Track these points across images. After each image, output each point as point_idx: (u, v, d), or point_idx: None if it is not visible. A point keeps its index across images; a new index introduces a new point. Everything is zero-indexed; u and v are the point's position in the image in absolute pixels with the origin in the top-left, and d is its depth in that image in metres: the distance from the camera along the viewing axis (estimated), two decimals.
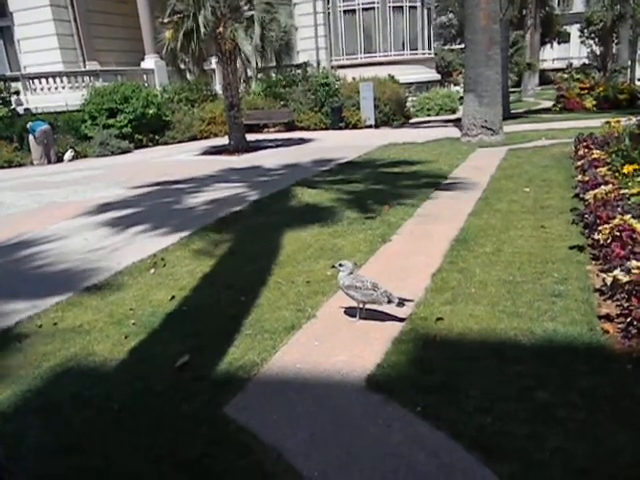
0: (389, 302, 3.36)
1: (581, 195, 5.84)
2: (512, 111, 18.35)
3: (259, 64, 14.08)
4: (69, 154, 15.50)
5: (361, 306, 3.51)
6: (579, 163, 7.35)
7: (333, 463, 2.21)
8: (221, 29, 13.02)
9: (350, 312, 3.59)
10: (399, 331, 3.29)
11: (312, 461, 2.22)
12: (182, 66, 14.68)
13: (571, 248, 4.55)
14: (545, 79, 36.41)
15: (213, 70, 20.62)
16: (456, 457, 2.20)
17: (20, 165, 14.78)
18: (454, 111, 21.52)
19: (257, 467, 2.19)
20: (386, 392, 2.65)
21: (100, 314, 3.93)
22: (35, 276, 4.99)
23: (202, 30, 12.36)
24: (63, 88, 19.32)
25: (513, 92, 25.99)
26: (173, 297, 4.12)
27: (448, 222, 5.65)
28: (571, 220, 5.26)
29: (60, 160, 15.29)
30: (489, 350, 3.00)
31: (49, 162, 15.00)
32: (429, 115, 22.01)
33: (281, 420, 2.51)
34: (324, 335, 3.35)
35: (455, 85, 28.31)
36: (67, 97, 18.35)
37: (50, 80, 19.23)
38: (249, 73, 14.42)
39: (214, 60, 16.19)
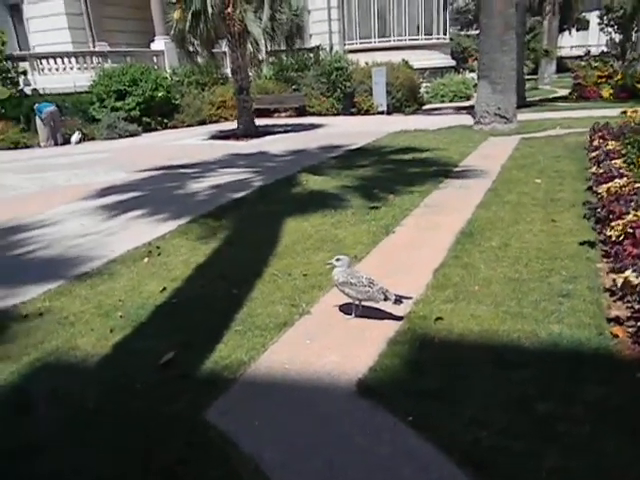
0: (385, 299, 3.20)
1: (594, 188, 5.61)
2: (527, 99, 17.90)
3: (268, 47, 13.82)
4: (76, 136, 15.40)
5: (357, 303, 3.34)
6: (593, 154, 7.08)
7: (313, 478, 2.06)
8: (230, 10, 12.75)
9: (346, 309, 3.43)
10: (395, 331, 3.11)
11: (291, 474, 2.07)
12: (191, 48, 14.46)
13: (581, 244, 4.33)
14: (562, 67, 35.56)
15: (224, 53, 20.32)
16: (446, 473, 2.04)
17: (26, 146, 14.69)
18: (469, 98, 21.11)
19: (232, 478, 2.04)
20: (377, 398, 2.48)
21: (88, 305, 3.80)
22: (27, 262, 4.88)
23: (210, 10, 12.11)
24: (72, 69, 19.15)
25: (529, 80, 25.44)
26: (164, 289, 3.98)
27: (455, 213, 5.45)
28: (583, 214, 5.03)
29: (67, 142, 15.20)
30: (490, 354, 2.83)
31: (56, 144, 14.91)
32: (443, 102, 21.62)
33: (263, 427, 2.36)
34: (317, 333, 3.19)
35: (470, 71, 27.71)
36: (75, 78, 18.19)
37: (58, 60, 19.05)
38: (260, 56, 14.17)
39: (225, 43, 15.96)
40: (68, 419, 2.49)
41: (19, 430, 2.44)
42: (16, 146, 14.70)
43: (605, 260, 3.99)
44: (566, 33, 36.90)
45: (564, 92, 21.06)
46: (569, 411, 2.33)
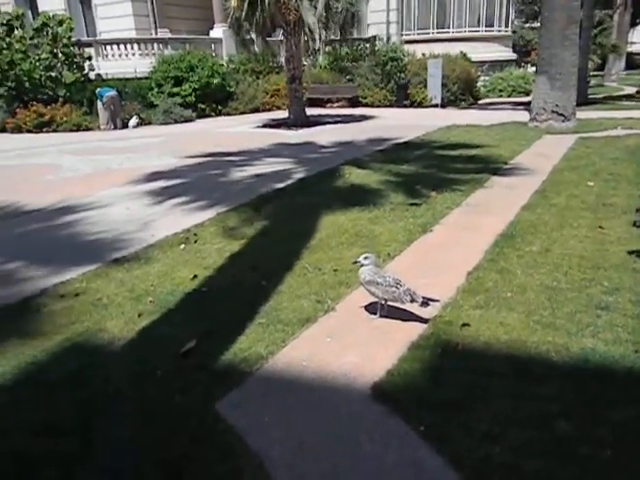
0: (412, 301, 3.12)
1: None
2: (590, 96, 17.10)
3: (323, 36, 13.74)
4: (134, 121, 15.84)
5: (382, 303, 3.28)
6: None
7: None
8: None
9: (371, 309, 3.37)
10: (419, 334, 3.04)
11: (294, 475, 2.06)
12: (247, 36, 14.58)
13: (630, 253, 4.10)
14: (633, 63, 33.78)
15: (280, 41, 20.41)
16: None
17: (87, 129, 15.24)
18: (528, 93, 20.27)
19: (234, 476, 2.05)
20: (391, 404, 2.43)
21: (122, 288, 3.90)
22: (72, 243, 5.06)
23: None
24: (133, 55, 19.75)
25: (595, 76, 24.32)
26: (195, 276, 4.03)
27: (497, 214, 5.26)
28: (634, 222, 4.75)
29: (125, 126, 15.66)
30: (514, 366, 2.71)
31: (115, 127, 15.40)
32: (500, 96, 20.98)
33: (272, 423, 2.35)
34: (339, 331, 3.15)
35: (532, 66, 26.72)
36: (137, 64, 18.73)
37: (122, 46, 19.70)
38: (314, 45, 14.13)
39: (281, 31, 15.99)
40: (87, 402, 2.56)
41: (41, 409, 2.53)
42: (78, 128, 15.29)
43: None
44: (638, 28, 34.95)
45: (631, 90, 20.02)
46: (591, 433, 2.21)
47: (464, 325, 3.11)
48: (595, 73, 25.49)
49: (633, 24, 31.47)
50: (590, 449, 2.12)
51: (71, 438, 2.32)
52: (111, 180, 7.83)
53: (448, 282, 3.73)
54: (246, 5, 13.18)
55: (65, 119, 15.36)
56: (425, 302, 3.11)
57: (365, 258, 3.26)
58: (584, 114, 12.36)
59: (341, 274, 3.98)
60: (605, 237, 4.49)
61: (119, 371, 2.82)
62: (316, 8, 12.92)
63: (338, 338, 3.07)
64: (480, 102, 19.51)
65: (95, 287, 3.95)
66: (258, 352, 2.93)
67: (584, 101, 14.51)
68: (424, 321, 3.18)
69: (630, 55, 34.42)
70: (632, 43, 36.51)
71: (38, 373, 2.84)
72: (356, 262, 3.32)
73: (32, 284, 4.06)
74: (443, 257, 4.27)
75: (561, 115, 11.02)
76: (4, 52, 15.39)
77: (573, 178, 6.60)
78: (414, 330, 3.10)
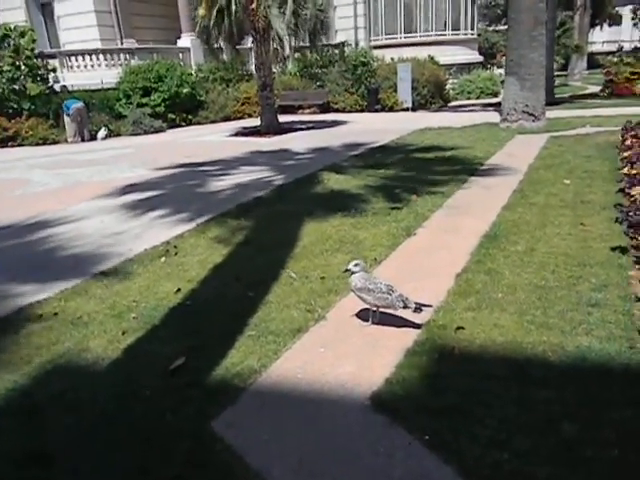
0: (405, 307, 3.07)
1: (627, 190, 5.37)
2: (556, 96, 17.44)
3: (292, 43, 13.71)
4: (102, 132, 15.54)
5: (374, 309, 3.22)
6: (626, 154, 6.81)
7: None
8: (254, 5, 12.69)
9: (363, 315, 3.31)
10: (414, 340, 2.99)
11: None
12: (215, 45, 14.47)
13: (613, 250, 4.13)
14: (593, 63, 34.65)
15: (249, 49, 20.30)
16: None
17: (55, 142, 14.88)
18: (496, 95, 20.66)
19: None
20: (392, 414, 2.36)
21: (102, 305, 3.76)
22: (46, 259, 4.88)
23: (234, 7, 12.07)
24: (99, 66, 19.40)
25: (559, 76, 24.83)
26: (179, 290, 3.91)
27: (479, 215, 5.27)
28: (614, 218, 4.81)
29: (94, 138, 15.35)
30: (513, 368, 2.68)
31: (83, 140, 15.08)
32: (469, 98, 21.25)
33: (272, 441, 2.26)
34: (332, 341, 3.08)
35: (498, 67, 27.20)
36: (103, 75, 18.40)
37: (87, 57, 19.32)
38: (284, 53, 14.09)
39: (250, 39, 15.92)
40: (73, 426, 2.43)
41: (25, 436, 2.39)
42: (45, 142, 14.91)
43: (638, 267, 3.79)
44: (597, 28, 35.99)
45: (595, 89, 20.50)
46: (597, 434, 2.18)
47: (458, 328, 3.07)
48: (559, 73, 26.04)
49: (592, 25, 32.37)
50: (596, 451, 2.09)
51: (57, 466, 2.19)
52: (83, 194, 7.62)
53: (438, 285, 3.69)
54: (214, 13, 13.10)
55: (31, 133, 14.97)
56: (418, 308, 3.07)
57: (355, 265, 3.20)
58: (553, 113, 12.58)
59: (329, 281, 3.91)
60: (587, 234, 4.52)
61: (105, 392, 2.69)
62: (285, 15, 12.89)
63: (332, 347, 3.00)
64: (450, 104, 19.73)
65: (74, 305, 3.79)
66: (250, 366, 2.84)
67: (552, 101, 14.78)
68: (417, 326, 3.13)
69: (591, 55, 35.35)
70: (592, 43, 37.54)
71: (20, 398, 2.69)
72: (347, 270, 3.25)
73: (7, 304, 3.88)
74: (430, 260, 4.24)
75: (531, 115, 11.20)
76: None
77: (549, 177, 6.68)
78: (408, 336, 3.04)
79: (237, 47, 15.21)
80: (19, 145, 14.62)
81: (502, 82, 17.20)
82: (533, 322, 3.11)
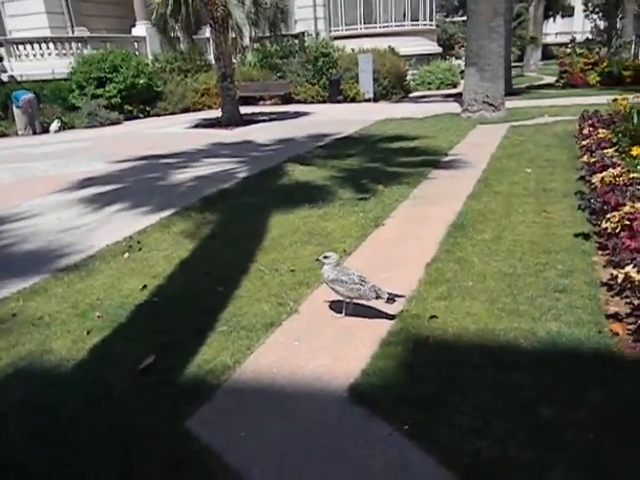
0: (377, 298, 3.05)
1: (587, 177, 5.51)
2: (514, 86, 17.82)
3: (252, 33, 13.51)
4: (55, 125, 15.00)
5: (347, 301, 3.19)
6: (584, 143, 6.99)
7: None
8: None
9: (336, 307, 3.28)
10: (388, 331, 2.97)
11: None
12: (172, 34, 14.11)
13: (576, 236, 4.22)
14: (547, 54, 35.59)
15: (208, 39, 19.90)
16: None
17: (4, 135, 14.29)
18: (455, 85, 20.99)
19: None
20: (370, 405, 2.34)
21: (64, 304, 3.60)
22: (0, 258, 4.65)
23: None
24: (50, 55, 18.64)
25: (515, 67, 25.34)
26: (145, 286, 3.79)
27: (445, 205, 5.31)
28: (576, 205, 4.93)
29: (46, 131, 14.80)
30: (486, 355, 2.70)
31: (34, 133, 14.52)
32: (429, 89, 21.48)
33: (250, 438, 2.21)
34: (306, 334, 3.04)
35: (457, 59, 27.60)
36: (54, 65, 17.70)
37: (36, 46, 18.53)
38: (243, 42, 13.86)
39: (208, 29, 15.59)
40: (39, 433, 2.31)
41: None
42: None
43: (601, 253, 3.88)
44: (551, 20, 36.90)
45: (550, 79, 21.03)
46: (573, 416, 2.21)
47: (432, 317, 3.07)
48: (515, 64, 26.57)
49: (546, 16, 33.15)
50: (574, 434, 2.12)
51: (27, 476, 2.08)
52: (38, 189, 7.32)
53: (408, 275, 3.70)
54: (171, 1, 12.75)
55: None
56: (391, 298, 3.05)
57: (325, 257, 3.16)
58: (511, 103, 12.83)
59: (299, 274, 3.86)
60: (551, 221, 4.62)
61: (71, 395, 2.57)
62: (244, 4, 12.68)
63: (306, 341, 2.96)
64: (411, 95, 19.87)
65: (34, 305, 3.63)
66: (224, 362, 2.77)
67: (510, 91, 15.07)
68: (391, 317, 3.12)
69: (545, 46, 36.24)
70: (546, 34, 38.48)
71: None
72: (317, 260, 3.21)
73: None
74: (399, 250, 4.24)
75: (492, 105, 11.38)
76: None
77: (511, 166, 6.80)
78: (382, 326, 3.03)
79: (195, 37, 14.89)
80: None
81: (461, 73, 17.46)
82: (504, 309, 3.15)
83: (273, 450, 2.14)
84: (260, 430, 2.26)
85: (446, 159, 7.59)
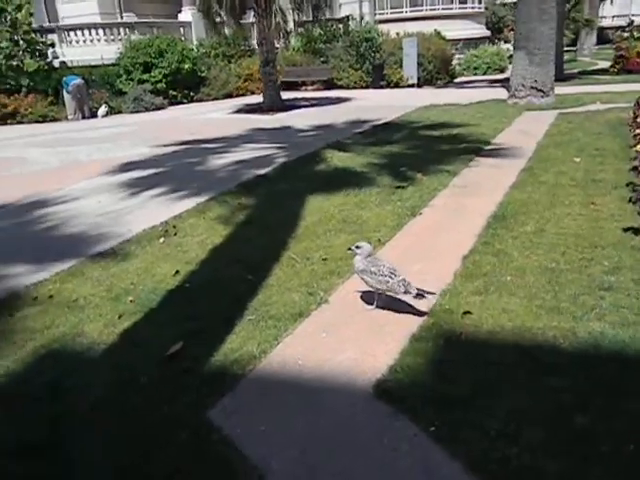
0: (405, 293, 2.93)
1: (639, 168, 5.20)
2: (565, 71, 17.07)
3: (295, 18, 13.40)
4: (103, 109, 15.35)
5: (379, 293, 3.11)
6: (638, 131, 6.61)
7: None
8: None
9: (367, 298, 3.20)
10: (419, 326, 2.87)
11: None
12: (217, 19, 14.13)
13: (625, 230, 3.99)
14: (603, 38, 33.95)
15: (252, 24, 19.88)
16: None
17: (54, 120, 14.70)
18: (503, 70, 20.29)
19: None
20: (396, 403, 2.26)
21: (99, 287, 3.66)
22: (42, 240, 4.79)
23: None
24: (99, 41, 19.07)
25: (568, 51, 24.27)
26: (177, 272, 3.81)
27: (486, 195, 5.12)
28: (627, 197, 4.66)
29: (94, 115, 15.17)
30: (522, 355, 2.57)
31: (83, 117, 14.89)
32: (476, 74, 20.86)
33: (271, 431, 2.17)
34: (334, 325, 2.97)
35: (506, 42, 26.66)
36: (103, 50, 18.08)
37: (86, 32, 18.98)
38: (287, 27, 13.77)
39: (252, 13, 15.54)
40: (65, 415, 2.34)
41: (17, 427, 2.31)
42: (44, 119, 14.72)
43: None
44: (608, 2, 35.14)
45: (605, 64, 20.03)
46: (611, 426, 2.08)
47: (465, 313, 2.95)
48: (568, 48, 25.47)
49: None
50: (612, 445, 1.98)
51: (48, 458, 2.11)
52: (82, 172, 7.49)
53: (444, 267, 3.58)
54: None
55: (30, 110, 14.78)
56: (420, 294, 2.92)
57: (357, 247, 3.08)
58: (562, 89, 12.28)
59: (331, 263, 3.79)
60: (599, 214, 4.38)
61: (99, 379, 2.60)
62: None
63: (334, 332, 2.90)
64: (456, 80, 19.37)
65: (70, 287, 3.70)
66: (250, 352, 2.74)
67: (561, 76, 14.43)
68: (421, 314, 3.00)
69: (600, 30, 34.60)
70: (602, 17, 36.73)
71: (11, 386, 2.61)
72: (349, 250, 3.14)
73: (2, 286, 3.79)
74: (436, 241, 4.11)
75: (540, 91, 10.93)
76: None
77: (559, 155, 6.50)
78: (413, 321, 2.93)
79: (239, 21, 14.87)
80: (18, 122, 14.46)
81: (510, 57, 16.83)
82: (543, 306, 3.00)
83: (294, 444, 2.10)
84: (282, 423, 2.22)
85: (489, 147, 7.33)
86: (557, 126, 8.49)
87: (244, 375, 2.56)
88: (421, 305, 3.01)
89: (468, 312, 2.96)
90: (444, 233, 4.26)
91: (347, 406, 2.30)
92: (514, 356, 2.57)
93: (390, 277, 2.93)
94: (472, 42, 22.80)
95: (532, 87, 10.95)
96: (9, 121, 14.54)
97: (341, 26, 21.10)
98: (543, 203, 4.75)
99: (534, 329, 2.78)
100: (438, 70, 18.46)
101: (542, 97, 10.95)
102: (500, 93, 12.86)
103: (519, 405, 2.22)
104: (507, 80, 12.52)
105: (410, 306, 3.04)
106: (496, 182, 5.52)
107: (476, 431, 2.08)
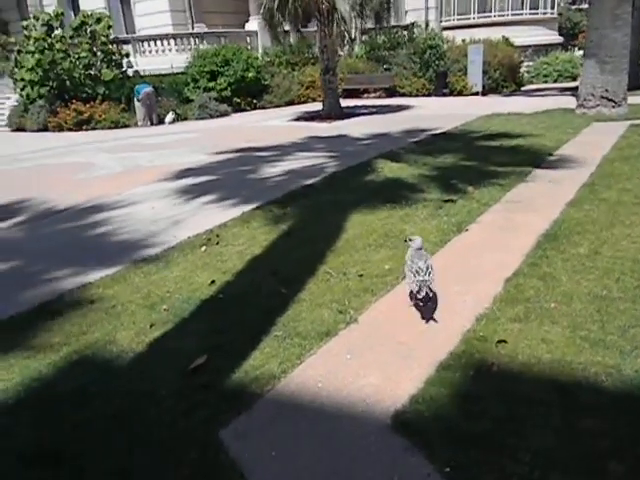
0: (418, 292, 2.95)
1: None
2: None
3: (357, 25, 13.37)
4: (170, 116, 15.90)
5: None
6: None
7: None
8: None
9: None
10: (449, 352, 2.73)
11: None
12: (279, 28, 14.32)
13: None
14: None
15: (315, 32, 20.04)
16: None
17: (125, 126, 15.39)
18: (575, 78, 19.31)
19: None
20: (414, 437, 2.15)
21: (137, 294, 3.73)
22: (94, 244, 4.98)
23: None
24: (170, 50, 19.78)
25: None
26: (213, 282, 3.83)
27: (540, 211, 4.86)
28: None
29: (162, 122, 15.74)
30: (557, 391, 2.38)
31: (151, 124, 15.49)
32: (546, 82, 20.02)
33: (280, 458, 2.11)
34: (360, 347, 2.88)
35: (580, 49, 25.46)
36: (173, 59, 18.75)
37: (158, 42, 19.75)
38: (349, 35, 13.76)
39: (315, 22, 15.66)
40: (86, 424, 2.38)
41: (37, 432, 2.37)
42: (116, 125, 15.47)
43: None
44: None
45: None
46: None
47: (500, 342, 2.78)
48: None
49: None
50: None
51: (64, 467, 2.14)
52: (140, 178, 7.76)
53: (483, 290, 3.39)
54: None
55: (103, 117, 15.56)
56: (426, 299, 2.99)
57: (410, 240, 3.16)
58: (636, 99, 11.56)
59: (366, 279, 3.70)
60: None
61: (123, 388, 2.64)
62: None
63: (358, 355, 2.80)
64: (523, 88, 18.67)
65: (112, 293, 3.80)
66: (271, 370, 2.69)
67: (636, 86, 13.58)
68: (426, 319, 3.05)
69: None
70: None
71: (41, 390, 2.69)
72: (405, 241, 3.27)
73: (49, 288, 3.98)
74: (479, 261, 3.92)
75: (611, 101, 10.32)
76: (46, 52, 15.65)
77: (625, 170, 6.08)
78: (444, 347, 2.79)
79: (302, 30, 15.01)
80: (92, 128, 15.24)
81: (581, 64, 16.03)
82: (587, 338, 2.77)
83: (301, 474, 2.02)
84: (293, 450, 2.15)
85: (550, 159, 6.98)
86: (627, 138, 7.97)
87: (262, 395, 2.51)
88: (454, 325, 2.88)
89: (503, 341, 2.79)
90: (488, 252, 4.06)
91: (361, 437, 2.20)
92: (549, 393, 2.38)
93: (415, 274, 2.97)
94: (543, 49, 21.92)
95: (602, 97, 10.37)
96: (84, 127, 15.37)
97: (406, 33, 20.88)
98: (601, 223, 4.44)
99: (574, 363, 2.57)
100: (504, 78, 17.87)
101: (613, 107, 10.34)
102: (569, 102, 12.26)
103: (547, 448, 2.05)
104: (577, 89, 11.92)
105: (419, 308, 3.10)
106: (552, 198, 5.22)
107: (496, 475, 1.93)
